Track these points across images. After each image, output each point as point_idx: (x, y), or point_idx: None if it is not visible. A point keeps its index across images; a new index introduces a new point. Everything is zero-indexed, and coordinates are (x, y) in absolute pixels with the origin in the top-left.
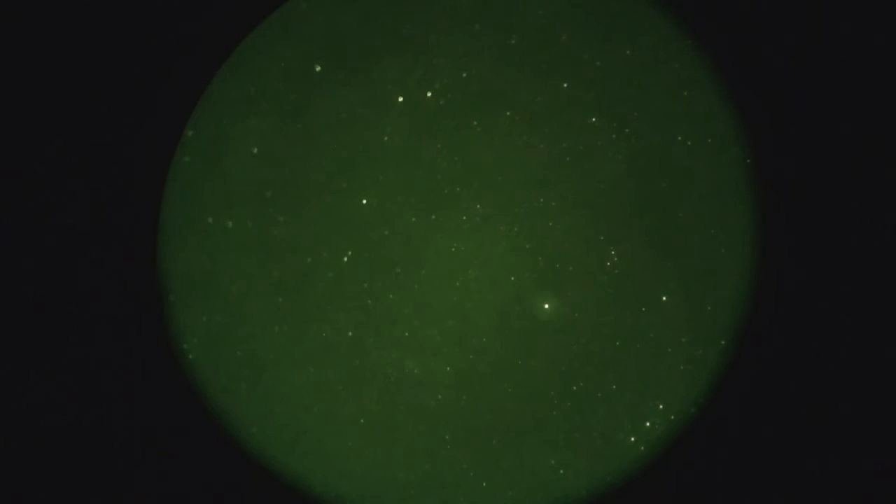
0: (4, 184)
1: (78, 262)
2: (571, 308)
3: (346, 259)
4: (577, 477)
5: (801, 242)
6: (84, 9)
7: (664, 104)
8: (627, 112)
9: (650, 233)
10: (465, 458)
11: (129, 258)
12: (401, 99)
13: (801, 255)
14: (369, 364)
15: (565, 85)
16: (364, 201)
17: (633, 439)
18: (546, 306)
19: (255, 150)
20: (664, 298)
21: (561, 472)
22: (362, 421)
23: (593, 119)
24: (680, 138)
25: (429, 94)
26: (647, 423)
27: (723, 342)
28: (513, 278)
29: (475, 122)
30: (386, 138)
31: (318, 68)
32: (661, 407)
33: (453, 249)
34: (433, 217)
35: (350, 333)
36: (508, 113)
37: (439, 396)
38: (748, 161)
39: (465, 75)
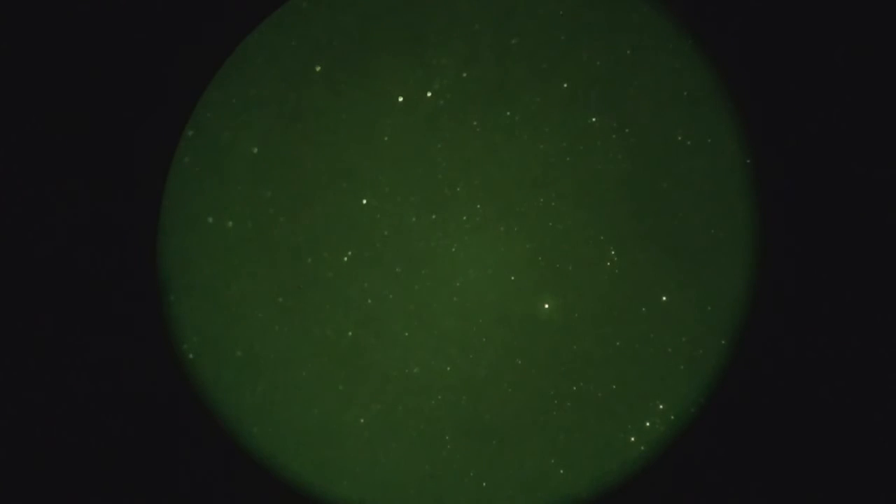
0: (4, 184)
1: (78, 262)
2: (571, 308)
3: (346, 259)
4: (577, 477)
5: (801, 242)
6: (84, 8)
7: (664, 104)
8: (627, 112)
9: (650, 233)
10: (465, 458)
11: (130, 258)
12: (401, 99)
13: (801, 255)
14: (369, 364)
15: (565, 85)
16: (364, 201)
17: (633, 439)
18: (546, 306)
19: (255, 150)
20: (664, 298)
21: (561, 472)
22: (362, 421)
23: (593, 119)
24: (680, 138)
25: (429, 94)
26: (647, 423)
27: (723, 342)
28: (513, 278)
29: (475, 122)
30: (386, 138)
31: (318, 68)
32: (661, 407)
33: (453, 249)
34: (433, 217)
35: (350, 333)
36: (508, 113)
37: (439, 396)
38: (748, 161)
39: (465, 75)
